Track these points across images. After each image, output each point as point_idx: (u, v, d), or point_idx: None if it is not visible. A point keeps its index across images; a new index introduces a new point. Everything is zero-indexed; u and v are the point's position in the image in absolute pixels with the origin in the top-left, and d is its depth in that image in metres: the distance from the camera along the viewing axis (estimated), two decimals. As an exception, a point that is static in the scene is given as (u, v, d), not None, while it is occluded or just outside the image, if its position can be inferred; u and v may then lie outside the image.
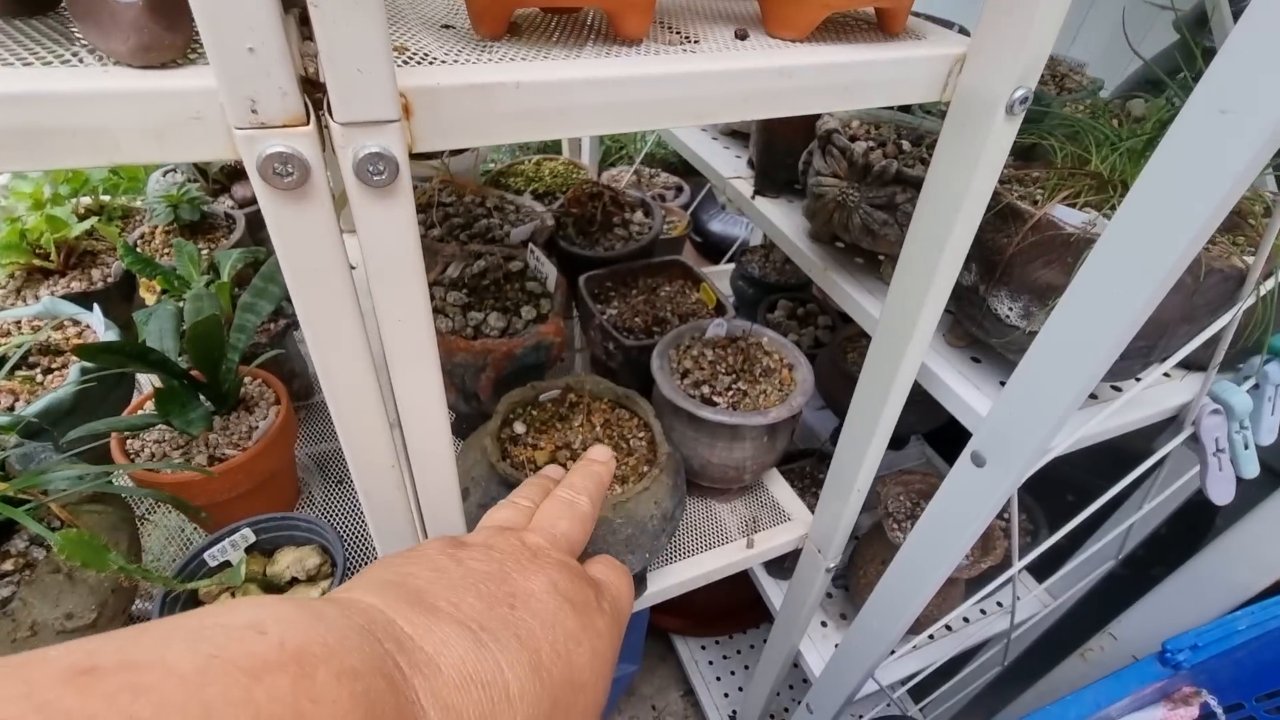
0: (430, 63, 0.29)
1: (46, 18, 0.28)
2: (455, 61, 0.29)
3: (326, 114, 0.24)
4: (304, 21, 0.29)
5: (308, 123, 0.23)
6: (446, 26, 0.34)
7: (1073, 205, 0.49)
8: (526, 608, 0.24)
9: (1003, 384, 0.57)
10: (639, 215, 0.93)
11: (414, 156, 0.30)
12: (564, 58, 0.31)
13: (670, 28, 0.38)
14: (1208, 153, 0.34)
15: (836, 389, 0.94)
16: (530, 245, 0.73)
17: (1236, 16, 0.32)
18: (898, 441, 1.11)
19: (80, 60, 0.24)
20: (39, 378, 0.63)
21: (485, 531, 0.31)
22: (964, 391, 0.56)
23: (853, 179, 0.61)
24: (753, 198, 0.81)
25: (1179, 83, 0.67)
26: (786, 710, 1.25)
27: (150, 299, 0.75)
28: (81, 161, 0.23)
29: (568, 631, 0.25)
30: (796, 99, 0.34)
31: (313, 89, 0.25)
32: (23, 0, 0.27)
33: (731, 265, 1.26)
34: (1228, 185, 0.34)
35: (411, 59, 0.29)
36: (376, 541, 0.39)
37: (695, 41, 0.35)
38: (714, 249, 1.64)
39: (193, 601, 0.51)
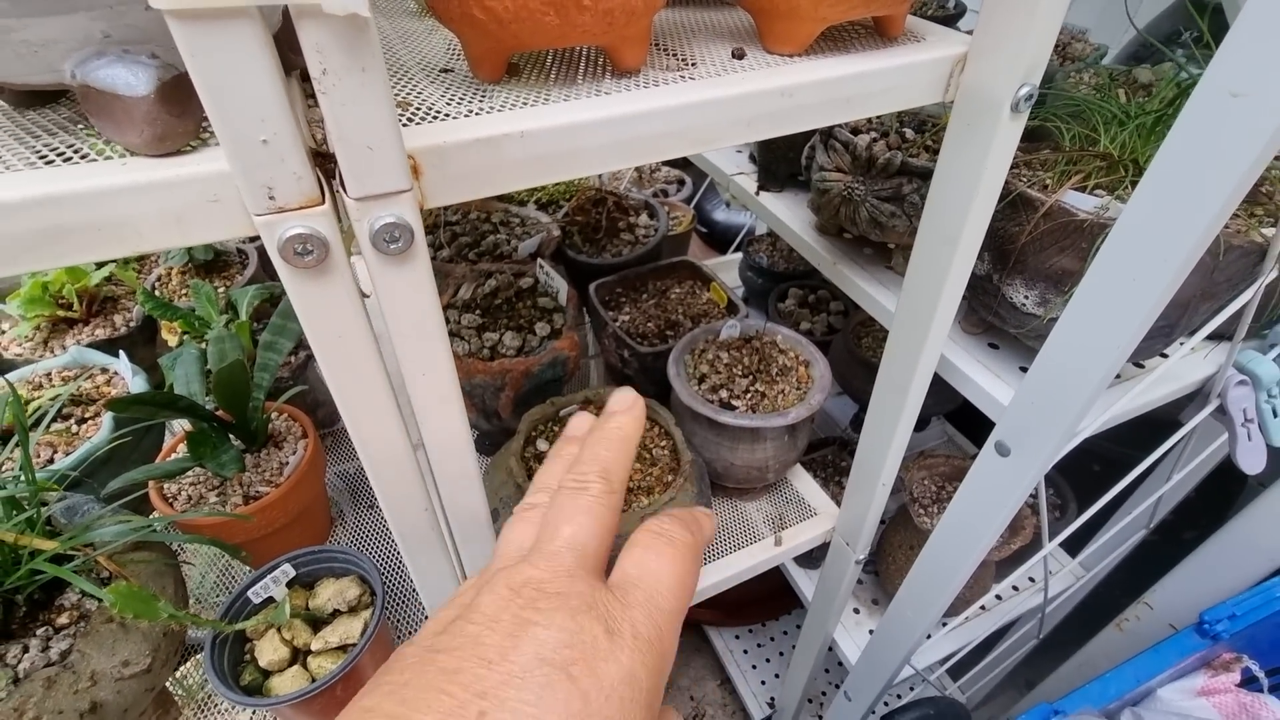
0: (435, 118, 0.29)
1: (59, 106, 0.29)
2: (459, 114, 0.29)
3: (339, 186, 0.24)
4: (305, 79, 0.30)
5: (323, 201, 0.23)
6: (446, 70, 0.35)
7: (1083, 189, 0.49)
8: (501, 707, 0.21)
9: (1023, 369, 0.57)
10: (644, 218, 0.93)
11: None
12: (565, 99, 0.31)
13: (666, 49, 0.38)
14: (1220, 139, 0.34)
15: (853, 375, 0.94)
16: (539, 260, 0.73)
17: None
18: (919, 423, 1.11)
19: (97, 152, 0.25)
20: (74, 428, 0.65)
21: (480, 583, 0.26)
22: (984, 380, 0.56)
23: (857, 172, 0.60)
24: (757, 193, 0.81)
25: (1183, 43, 0.65)
26: (824, 694, 1.26)
27: (172, 340, 0.76)
28: (106, 254, 0.24)
29: (561, 712, 0.21)
30: (799, 117, 0.34)
31: (323, 160, 0.26)
32: (34, 93, 0.27)
33: (739, 255, 1.26)
34: (1242, 171, 0.33)
35: (415, 115, 0.29)
36: (414, 577, 0.40)
37: (693, 64, 0.35)
38: (720, 239, 1.64)
39: (241, 640, 0.53)
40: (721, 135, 0.33)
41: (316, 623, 0.54)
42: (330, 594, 0.54)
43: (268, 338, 0.62)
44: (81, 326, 0.75)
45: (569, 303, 0.71)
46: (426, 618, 0.44)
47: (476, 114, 0.30)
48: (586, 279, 0.82)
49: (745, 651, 1.33)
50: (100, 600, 0.48)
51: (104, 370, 0.69)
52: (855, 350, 0.92)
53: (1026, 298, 0.51)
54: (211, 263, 0.82)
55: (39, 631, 0.46)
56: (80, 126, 0.27)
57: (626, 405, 0.34)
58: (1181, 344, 0.58)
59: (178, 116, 0.24)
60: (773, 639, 1.35)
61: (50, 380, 0.68)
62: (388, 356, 0.30)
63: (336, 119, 0.21)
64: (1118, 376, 0.57)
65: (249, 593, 0.53)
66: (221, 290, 0.79)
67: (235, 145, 0.21)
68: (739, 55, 0.36)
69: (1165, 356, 0.58)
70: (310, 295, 0.24)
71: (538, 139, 0.29)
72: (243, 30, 0.19)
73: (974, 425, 1.11)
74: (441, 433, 0.31)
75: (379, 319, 0.29)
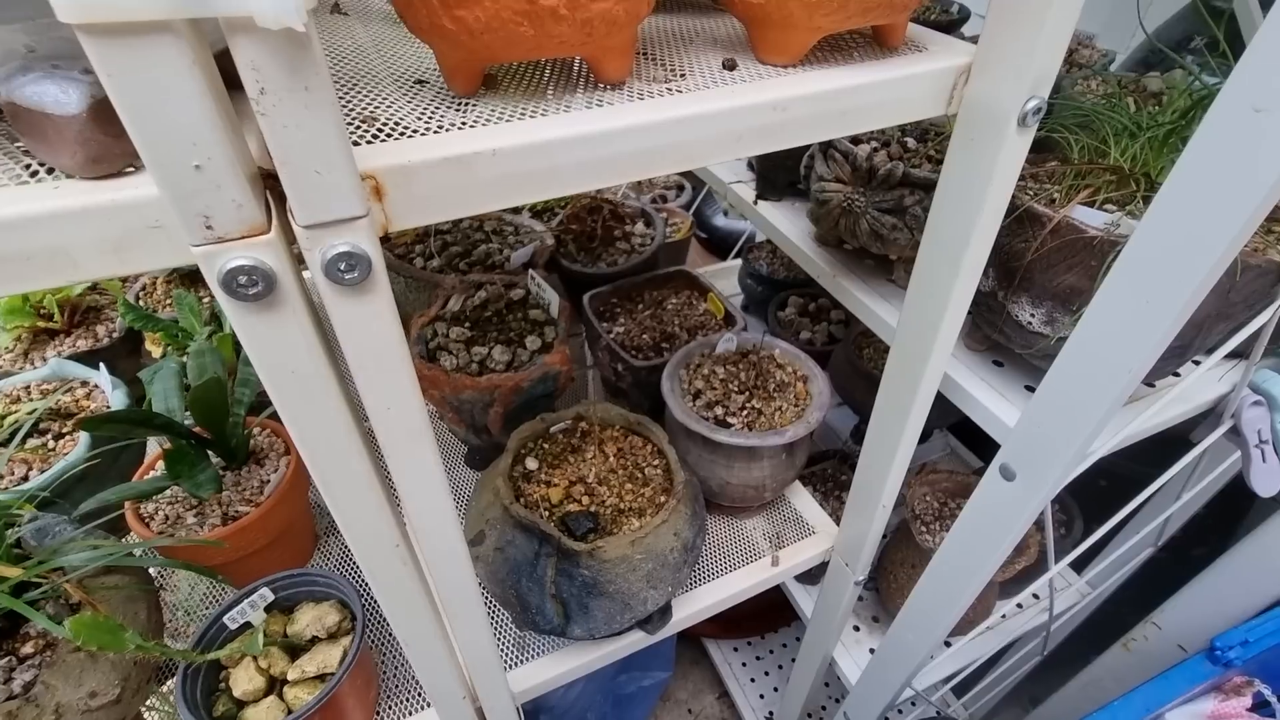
0: (402, 133, 0.27)
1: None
2: (428, 129, 0.28)
3: (290, 213, 0.23)
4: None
5: (269, 229, 0.21)
6: (420, 82, 0.33)
7: (1092, 203, 0.47)
8: None
9: (1028, 388, 0.55)
10: (640, 226, 0.91)
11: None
12: (544, 113, 0.29)
13: (654, 59, 0.36)
14: (1241, 155, 0.32)
15: (853, 386, 0.92)
16: (531, 271, 0.71)
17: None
18: (920, 436, 1.09)
19: (31, 173, 0.23)
20: (51, 443, 0.63)
21: None
22: (988, 400, 0.54)
23: (857, 183, 0.58)
24: (755, 202, 0.79)
25: (1195, 49, 0.63)
26: (824, 708, 1.24)
27: (156, 351, 0.74)
28: (39, 285, 0.22)
29: None
30: (791, 132, 0.32)
31: (275, 182, 0.24)
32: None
33: (738, 261, 1.24)
34: (1265, 190, 0.31)
35: (381, 131, 0.27)
36: (387, 614, 0.38)
37: (682, 75, 0.33)
38: (720, 244, 1.62)
39: (216, 667, 0.51)
40: (709, 152, 0.31)
41: (294, 650, 0.52)
42: (309, 620, 0.52)
43: (249, 352, 0.60)
44: (63, 337, 0.74)
45: (561, 315, 0.69)
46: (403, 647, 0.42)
47: (447, 130, 0.28)
48: (581, 289, 0.80)
49: (744, 664, 1.31)
50: (67, 629, 0.46)
51: (84, 383, 0.67)
52: (856, 361, 0.90)
53: (1033, 316, 0.49)
54: (197, 271, 0.80)
55: (1, 662, 0.44)
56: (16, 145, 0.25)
57: None
58: (1195, 364, 0.56)
59: (114, 137, 0.22)
60: (772, 651, 1.33)
61: (29, 393, 0.66)
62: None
63: (279, 142, 0.20)
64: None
65: (225, 618, 0.52)
66: (206, 300, 0.77)
67: (163, 172, 0.19)
68: (730, 66, 0.34)
69: (1178, 375, 0.56)
70: (257, 330, 0.22)
71: (511, 157, 0.27)
72: (166, 46, 0.17)
73: (977, 438, 1.09)
74: (410, 468, 0.30)
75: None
